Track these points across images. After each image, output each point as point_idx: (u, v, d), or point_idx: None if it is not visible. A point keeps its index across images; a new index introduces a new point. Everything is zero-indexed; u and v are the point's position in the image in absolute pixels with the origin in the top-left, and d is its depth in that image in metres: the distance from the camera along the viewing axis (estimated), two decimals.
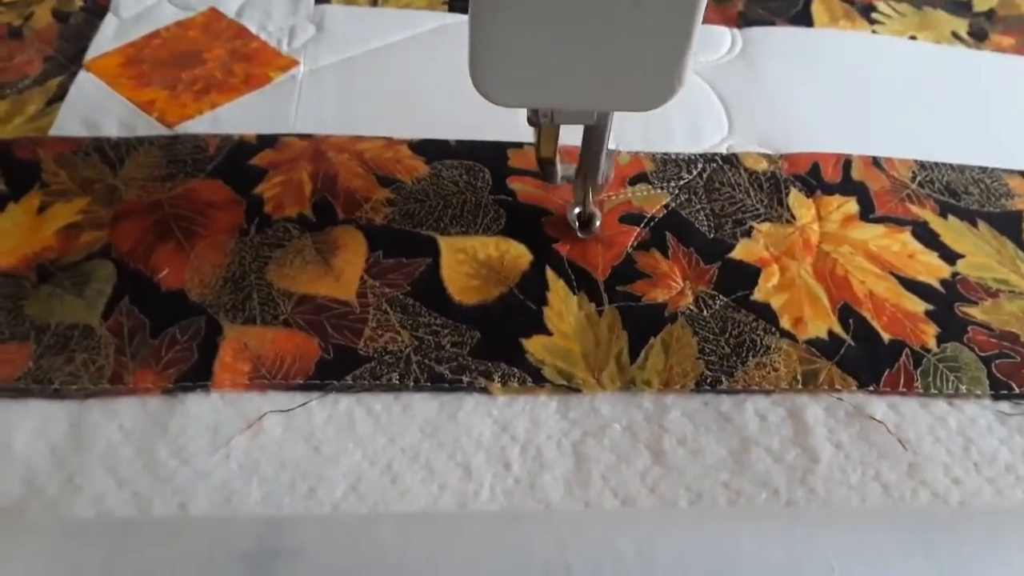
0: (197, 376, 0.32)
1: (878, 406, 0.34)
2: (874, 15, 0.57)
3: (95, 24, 0.48)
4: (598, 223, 0.39)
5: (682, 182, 0.43)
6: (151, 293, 0.35)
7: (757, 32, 0.53)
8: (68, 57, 0.46)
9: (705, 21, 0.52)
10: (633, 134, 0.45)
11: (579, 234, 0.39)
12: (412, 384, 0.33)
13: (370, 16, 0.50)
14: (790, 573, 0.24)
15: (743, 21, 0.54)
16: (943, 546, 0.26)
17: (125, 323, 0.34)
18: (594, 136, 0.35)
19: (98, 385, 0.32)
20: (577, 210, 0.39)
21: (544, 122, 0.33)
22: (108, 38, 0.47)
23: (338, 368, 0.33)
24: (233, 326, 0.34)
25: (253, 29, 0.48)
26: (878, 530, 0.27)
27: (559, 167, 0.37)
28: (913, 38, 0.55)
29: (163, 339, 0.33)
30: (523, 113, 0.43)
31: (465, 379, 0.33)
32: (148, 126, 0.42)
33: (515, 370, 0.34)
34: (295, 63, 0.46)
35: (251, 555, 0.22)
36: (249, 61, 0.46)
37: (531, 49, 0.28)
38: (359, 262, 0.37)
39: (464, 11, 0.51)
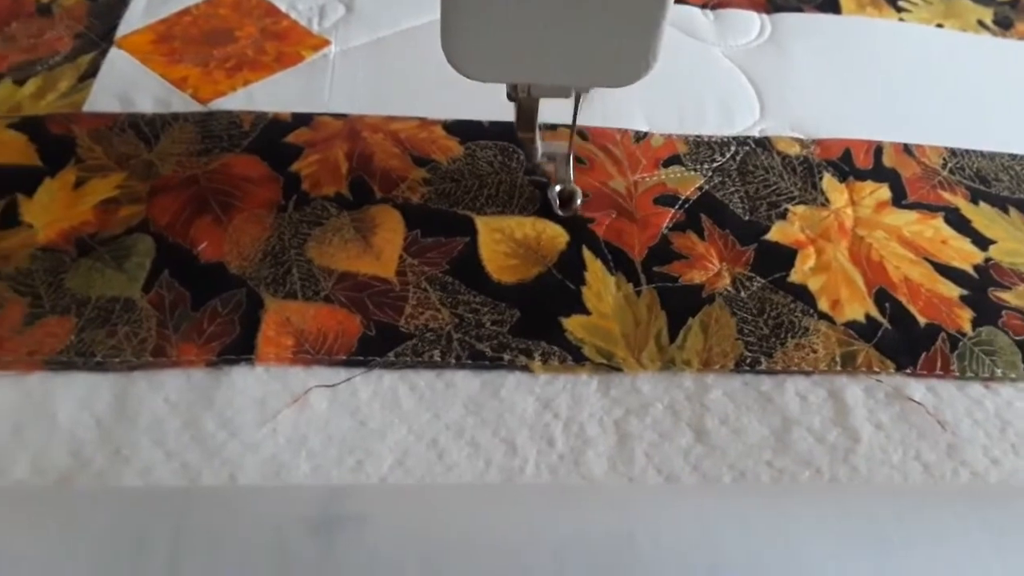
0: (240, 349, 0.32)
1: (916, 388, 0.35)
2: (901, 3, 0.57)
3: (125, 2, 0.48)
4: (579, 201, 0.39)
5: (715, 164, 0.43)
6: (191, 266, 0.35)
7: (786, 18, 0.53)
8: (99, 34, 0.45)
9: (733, 5, 0.54)
10: (667, 116, 0.45)
11: (559, 212, 0.39)
12: (454, 361, 0.33)
13: None
14: (847, 547, 0.25)
15: (772, 7, 0.54)
16: (996, 519, 0.26)
17: (166, 296, 0.34)
18: (572, 112, 0.35)
19: (141, 358, 0.32)
20: (558, 188, 0.39)
21: (522, 97, 0.33)
22: (138, 15, 0.47)
23: (380, 345, 0.33)
24: (275, 300, 0.34)
25: (283, 8, 0.48)
26: (932, 505, 0.27)
27: (539, 144, 0.37)
28: (940, 26, 0.55)
29: (204, 312, 0.33)
30: (551, 100, 0.43)
31: (506, 357, 0.33)
32: (182, 102, 0.42)
33: (555, 348, 0.34)
34: (327, 42, 0.46)
35: (317, 520, 0.22)
36: (280, 39, 0.46)
37: (505, 23, 0.28)
38: (398, 240, 0.37)
39: None
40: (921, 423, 0.33)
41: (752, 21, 0.53)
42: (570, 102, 0.35)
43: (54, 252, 0.35)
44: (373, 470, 0.30)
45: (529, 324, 0.34)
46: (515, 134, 0.37)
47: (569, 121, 0.36)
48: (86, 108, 0.41)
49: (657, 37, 0.29)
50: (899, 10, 0.56)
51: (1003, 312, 0.37)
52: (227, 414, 0.31)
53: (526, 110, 0.34)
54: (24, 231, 0.36)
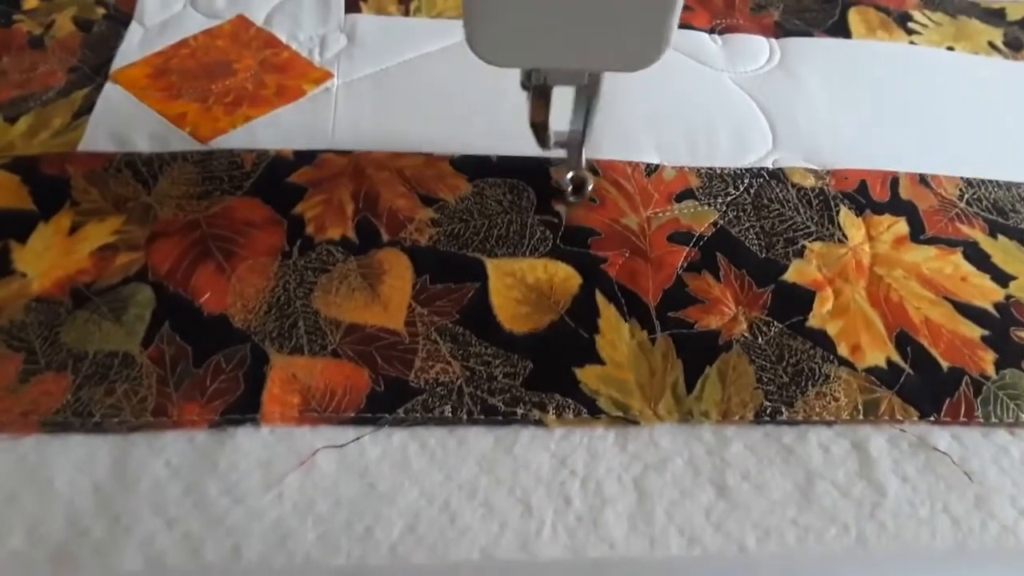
0: (245, 408, 0.31)
1: (941, 436, 0.34)
2: (911, 24, 0.56)
3: (119, 33, 0.46)
4: (590, 187, 0.40)
5: (729, 198, 0.42)
6: (192, 318, 0.34)
7: (795, 43, 0.52)
8: (93, 68, 0.44)
9: (742, 30, 0.53)
10: (677, 147, 0.44)
11: (571, 198, 0.40)
12: (466, 417, 0.32)
13: (402, 26, 0.49)
14: None
15: (780, 31, 0.53)
16: None
17: (167, 351, 0.33)
18: (586, 99, 0.35)
19: (141, 418, 0.31)
20: (570, 175, 0.39)
21: (537, 85, 0.33)
22: (133, 48, 0.46)
23: (389, 401, 0.32)
24: (280, 355, 0.33)
25: (283, 38, 0.47)
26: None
27: (551, 132, 0.37)
28: (951, 49, 0.54)
29: (207, 368, 0.32)
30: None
31: (519, 411, 0.32)
32: (181, 141, 0.41)
33: (570, 401, 0.33)
34: (329, 75, 0.45)
35: None
36: (281, 72, 0.44)
37: (523, 9, 0.29)
38: (406, 288, 0.35)
39: None
40: (948, 474, 0.33)
41: (761, 46, 0.51)
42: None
43: (49, 303, 0.34)
44: (383, 536, 0.29)
45: (542, 376, 0.33)
46: (530, 124, 0.36)
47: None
48: (81, 147, 0.40)
49: (670, 23, 0.29)
50: (909, 32, 0.55)
51: None
52: (231, 478, 0.29)
53: (540, 97, 0.34)
54: (17, 280, 0.35)
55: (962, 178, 0.45)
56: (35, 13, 0.47)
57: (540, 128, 0.36)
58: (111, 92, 0.43)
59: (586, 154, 0.39)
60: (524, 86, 0.35)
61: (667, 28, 0.29)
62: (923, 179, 0.44)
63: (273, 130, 0.42)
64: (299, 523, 0.29)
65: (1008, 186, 0.45)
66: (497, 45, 0.30)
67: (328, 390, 0.32)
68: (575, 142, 0.38)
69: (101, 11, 0.48)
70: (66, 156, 0.39)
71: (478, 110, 0.44)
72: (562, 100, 0.36)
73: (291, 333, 0.33)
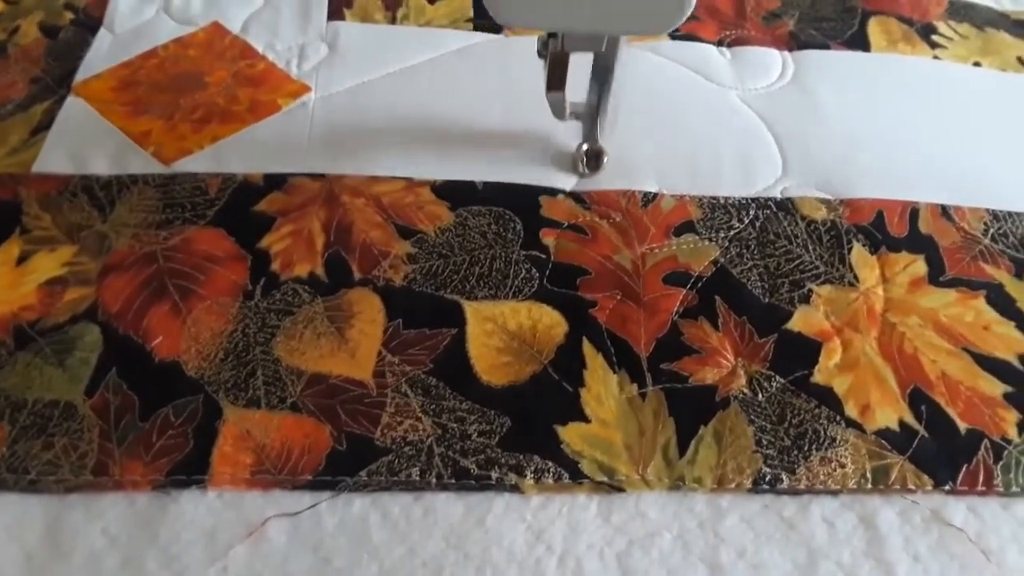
0: (192, 469, 0.29)
1: (956, 509, 0.31)
2: (935, 37, 0.52)
3: (87, 40, 0.44)
4: (605, 159, 0.40)
5: (732, 232, 0.38)
6: (142, 365, 0.31)
7: (810, 56, 0.49)
8: (56, 79, 0.41)
9: (753, 42, 0.49)
10: (677, 174, 0.41)
11: (585, 170, 0.39)
12: (435, 481, 0.29)
13: (387, 35, 0.46)
14: None
15: (795, 43, 0.49)
16: None
17: (112, 401, 0.30)
18: (603, 68, 0.35)
19: (80, 477, 0.28)
20: (584, 147, 0.39)
21: (554, 52, 0.33)
22: (101, 56, 0.43)
23: (352, 462, 0.29)
24: (235, 409, 0.30)
25: (260, 48, 0.44)
26: None
27: (567, 103, 0.36)
28: (977, 64, 0.51)
29: (154, 422, 0.30)
30: (553, 155, 0.40)
31: (494, 475, 0.30)
32: (142, 162, 0.38)
33: (549, 464, 0.30)
34: (306, 89, 0.42)
35: None
36: (255, 86, 0.42)
37: None
38: (376, 333, 0.33)
39: (490, 31, 0.47)
40: (963, 553, 0.30)
41: (773, 60, 0.48)
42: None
43: None
44: None
45: (521, 434, 0.31)
46: (546, 93, 0.35)
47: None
48: (36, 168, 0.37)
49: None
50: (933, 46, 0.51)
51: None
52: (173, 550, 0.27)
53: (557, 66, 0.33)
54: None
55: (987, 210, 0.41)
56: None
57: (556, 98, 0.35)
58: (72, 106, 0.40)
59: (603, 127, 0.38)
60: (540, 54, 0.34)
61: None
62: (945, 211, 0.41)
63: (243, 150, 0.39)
64: None
65: None
66: (515, 5, 0.29)
67: (285, 449, 0.29)
68: (590, 113, 0.38)
69: (69, 16, 0.45)
70: (19, 178, 0.37)
71: (465, 130, 0.41)
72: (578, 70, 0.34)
73: (248, 384, 0.31)
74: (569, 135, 0.40)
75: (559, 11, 0.30)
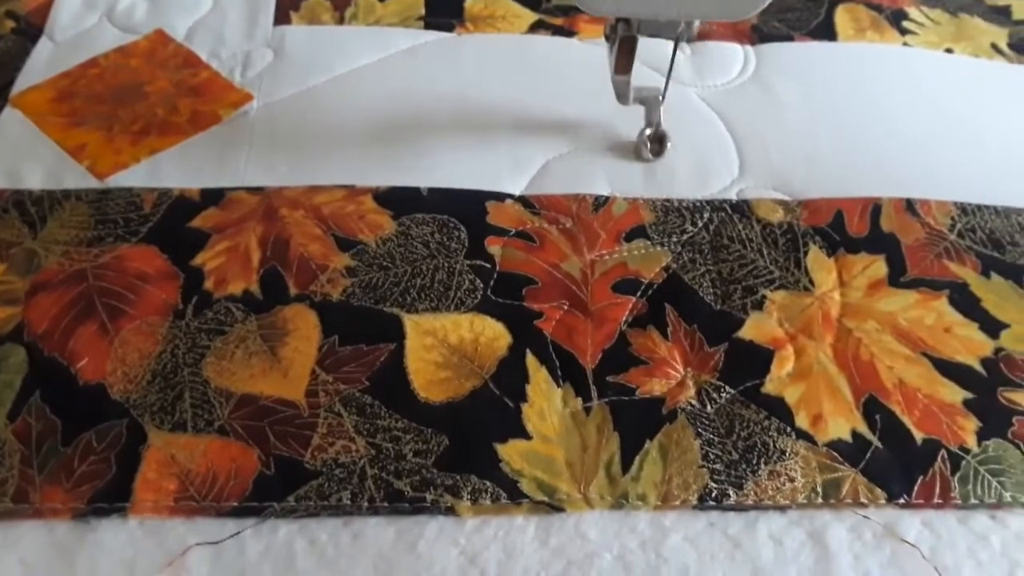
0: (114, 496, 0.28)
1: (911, 524, 0.30)
2: (905, 23, 0.50)
3: (27, 49, 0.43)
4: (668, 144, 0.40)
5: (686, 236, 0.37)
6: (66, 388, 0.30)
7: (773, 49, 0.47)
8: None
9: (714, 36, 0.48)
10: (631, 175, 0.40)
11: (650, 156, 0.40)
12: (366, 504, 0.28)
13: (335, 36, 0.44)
14: None
15: (757, 36, 0.48)
16: None
17: (34, 425, 0.29)
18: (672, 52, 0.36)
19: None
20: (648, 131, 0.39)
21: (624, 36, 0.33)
22: (40, 66, 0.42)
23: (280, 486, 0.28)
24: (160, 433, 0.29)
25: (204, 56, 0.43)
26: None
27: (631, 88, 0.37)
28: (949, 51, 0.49)
29: (76, 447, 0.29)
30: (503, 158, 0.39)
31: (428, 497, 0.29)
32: (76, 177, 0.37)
33: (487, 484, 0.29)
34: (249, 97, 0.41)
35: None
36: (197, 95, 0.40)
37: None
38: (310, 351, 0.32)
39: (440, 29, 0.46)
40: (916, 570, 0.29)
41: (734, 55, 0.47)
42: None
43: None
44: None
45: (458, 453, 0.30)
46: (612, 78, 0.36)
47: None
48: None
49: None
50: (904, 32, 0.50)
51: (1014, 419, 0.32)
52: None
53: (626, 49, 0.34)
54: None
55: (955, 203, 0.40)
56: None
57: (622, 82, 0.36)
58: (8, 118, 0.39)
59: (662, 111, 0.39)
60: (608, 37, 0.34)
61: None
62: (910, 205, 0.40)
63: (181, 163, 0.38)
64: None
65: (1007, 213, 0.40)
66: None
67: (210, 474, 0.28)
68: (654, 98, 0.38)
69: (11, 24, 0.44)
70: None
71: (411, 133, 0.40)
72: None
73: (175, 407, 0.30)
74: (518, 138, 0.39)
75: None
